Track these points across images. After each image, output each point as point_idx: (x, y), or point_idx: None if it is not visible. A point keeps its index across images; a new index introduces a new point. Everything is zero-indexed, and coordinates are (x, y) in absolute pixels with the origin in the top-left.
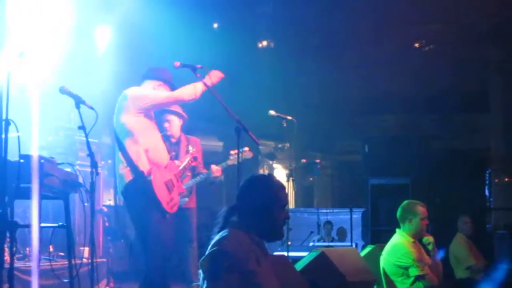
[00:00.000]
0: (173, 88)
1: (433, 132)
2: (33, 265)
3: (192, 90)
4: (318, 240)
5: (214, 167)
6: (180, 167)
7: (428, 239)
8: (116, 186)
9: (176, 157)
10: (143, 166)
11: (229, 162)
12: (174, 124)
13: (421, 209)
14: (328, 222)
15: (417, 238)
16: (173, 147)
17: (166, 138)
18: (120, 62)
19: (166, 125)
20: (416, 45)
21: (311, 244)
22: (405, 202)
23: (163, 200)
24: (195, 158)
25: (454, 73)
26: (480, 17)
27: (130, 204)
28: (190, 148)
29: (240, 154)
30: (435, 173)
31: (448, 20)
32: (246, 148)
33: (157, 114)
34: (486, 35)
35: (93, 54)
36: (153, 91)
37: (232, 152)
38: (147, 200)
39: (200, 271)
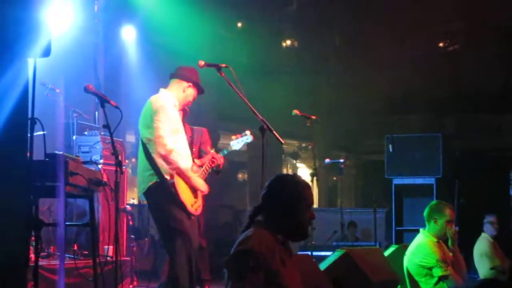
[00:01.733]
0: (201, 90)
1: (457, 131)
2: (59, 263)
3: (184, 169)
4: (342, 240)
5: (216, 156)
6: (202, 169)
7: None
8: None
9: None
10: (166, 169)
11: (230, 149)
12: None
13: (448, 211)
14: (352, 222)
15: (441, 238)
16: None
17: None
18: (145, 61)
19: None
20: (441, 44)
21: (334, 243)
22: (434, 202)
23: (188, 202)
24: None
25: (478, 73)
26: (505, 16)
27: (155, 206)
28: (195, 140)
29: (243, 138)
30: (459, 173)
31: (472, 20)
32: (248, 132)
33: None
34: (510, 34)
35: (117, 53)
36: (165, 127)
37: (233, 137)
38: (173, 202)
39: (225, 270)
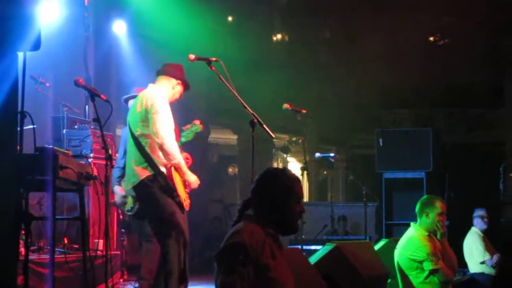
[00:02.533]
0: (187, 87)
1: (447, 126)
2: (49, 257)
3: (177, 160)
4: (332, 234)
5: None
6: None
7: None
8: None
9: None
10: (163, 163)
11: (181, 141)
12: None
13: (439, 204)
14: (343, 216)
15: (432, 232)
16: None
17: None
18: (135, 55)
19: None
20: (431, 38)
21: (324, 237)
22: (425, 196)
23: (182, 196)
24: None
25: (469, 67)
26: (495, 10)
27: (148, 198)
28: None
29: (192, 128)
30: (449, 167)
31: (463, 14)
32: (197, 121)
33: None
34: (501, 29)
35: (108, 47)
36: (164, 120)
37: (184, 128)
38: (168, 195)
39: (214, 264)
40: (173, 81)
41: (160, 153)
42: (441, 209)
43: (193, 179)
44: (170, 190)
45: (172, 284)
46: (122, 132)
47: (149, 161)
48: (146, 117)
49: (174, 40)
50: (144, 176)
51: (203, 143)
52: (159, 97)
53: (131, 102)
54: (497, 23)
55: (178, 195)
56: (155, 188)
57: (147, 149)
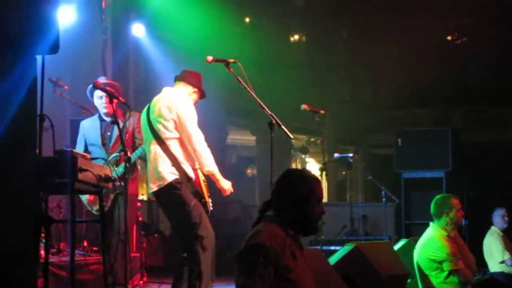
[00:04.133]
0: (203, 94)
1: (466, 125)
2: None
3: (212, 167)
4: (352, 234)
5: None
6: None
7: None
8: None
9: (110, 138)
10: (189, 166)
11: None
12: (106, 101)
13: (455, 201)
14: (362, 216)
15: (453, 230)
16: (109, 127)
17: (101, 118)
18: (154, 58)
19: (98, 102)
20: (449, 38)
21: (344, 238)
22: (438, 196)
23: (206, 198)
24: None
25: (487, 66)
26: None
27: (175, 201)
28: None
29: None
30: (469, 166)
31: (481, 13)
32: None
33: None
34: None
35: (126, 49)
36: (195, 124)
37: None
38: (197, 198)
39: (235, 265)
40: (190, 89)
41: (188, 157)
42: (458, 205)
43: (228, 186)
44: (198, 194)
45: (204, 284)
46: (82, 124)
47: (176, 165)
48: (174, 121)
49: (192, 42)
50: (171, 180)
51: (221, 145)
52: (188, 104)
53: (98, 93)
54: None
55: (205, 199)
56: (183, 191)
57: (175, 153)
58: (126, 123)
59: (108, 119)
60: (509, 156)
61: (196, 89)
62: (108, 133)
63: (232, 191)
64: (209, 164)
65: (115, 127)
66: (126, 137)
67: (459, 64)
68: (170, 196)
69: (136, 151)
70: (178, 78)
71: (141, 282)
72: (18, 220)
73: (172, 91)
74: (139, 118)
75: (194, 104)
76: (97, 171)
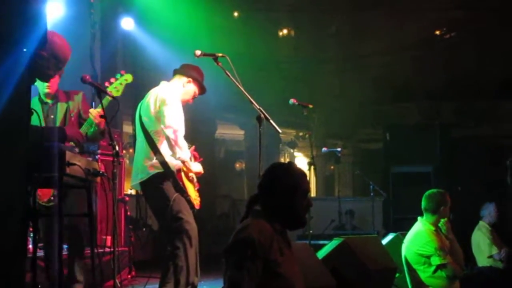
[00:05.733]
0: (203, 88)
1: (454, 119)
2: (56, 254)
3: (184, 155)
4: (340, 228)
5: (93, 111)
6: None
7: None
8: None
9: (54, 122)
10: (173, 160)
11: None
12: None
13: (448, 197)
14: (350, 211)
15: (444, 225)
16: (51, 110)
17: (42, 101)
18: (142, 52)
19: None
20: (437, 32)
21: (332, 232)
22: (434, 191)
23: (192, 195)
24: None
25: (476, 60)
26: (503, 3)
27: (157, 194)
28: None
29: (121, 80)
30: (457, 161)
31: (470, 7)
32: (123, 72)
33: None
34: (508, 22)
35: (114, 44)
36: (176, 116)
37: (107, 84)
38: (179, 192)
39: (223, 260)
40: (184, 79)
41: (171, 152)
42: (449, 202)
43: (199, 169)
44: (180, 189)
45: (182, 279)
46: None
47: (160, 158)
48: (159, 113)
49: (180, 36)
50: (154, 173)
51: (210, 139)
52: (171, 92)
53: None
54: (504, 15)
55: (188, 195)
56: (165, 185)
57: (160, 147)
58: (70, 102)
59: (49, 101)
60: (498, 151)
61: (189, 79)
62: (52, 116)
63: (202, 172)
64: (180, 151)
65: (58, 109)
66: (72, 119)
67: (448, 59)
68: (152, 189)
69: (83, 126)
70: (174, 71)
71: (129, 276)
72: (7, 215)
73: (166, 84)
74: (83, 97)
75: (194, 96)
76: (86, 165)
